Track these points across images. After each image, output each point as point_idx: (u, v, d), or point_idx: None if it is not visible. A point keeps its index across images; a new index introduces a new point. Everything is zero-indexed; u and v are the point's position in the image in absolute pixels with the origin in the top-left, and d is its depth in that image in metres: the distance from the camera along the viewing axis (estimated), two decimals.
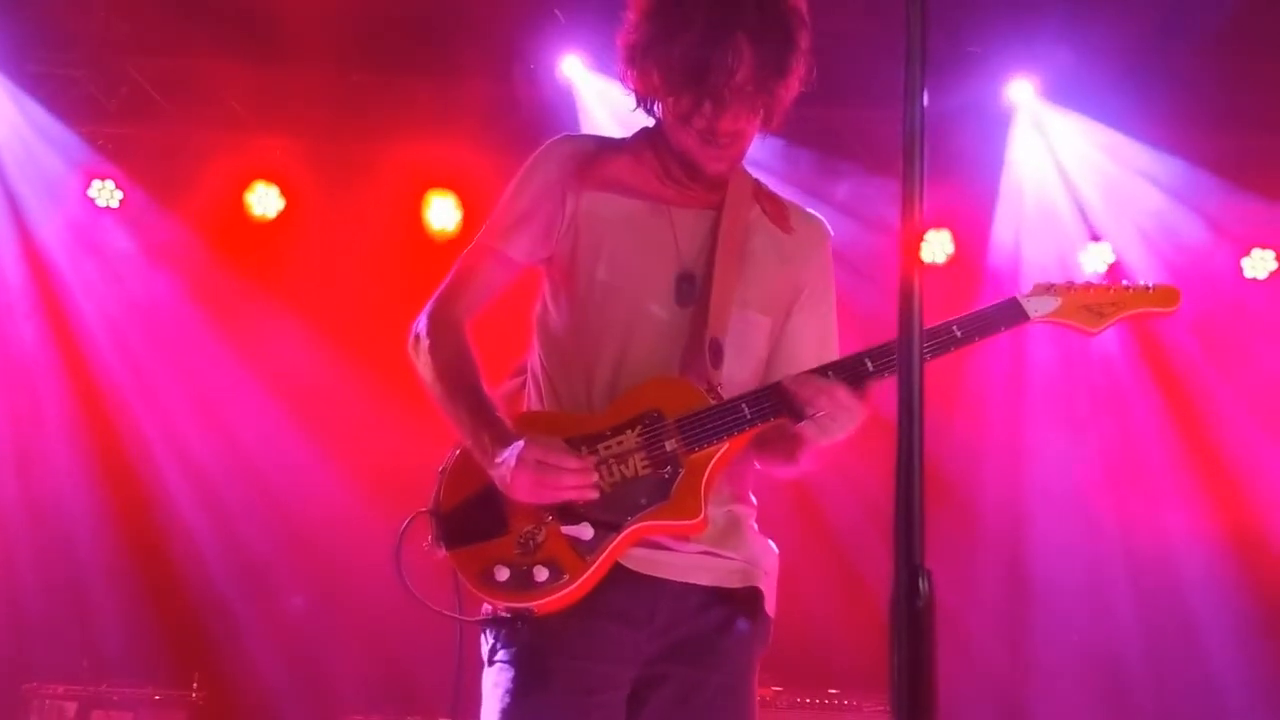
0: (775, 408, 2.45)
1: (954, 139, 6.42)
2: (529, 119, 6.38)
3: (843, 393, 2.41)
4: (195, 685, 6.19)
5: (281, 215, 6.91)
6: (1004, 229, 6.79)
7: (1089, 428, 6.92)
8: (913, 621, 1.24)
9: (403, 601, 2.50)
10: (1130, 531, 6.81)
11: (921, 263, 1.49)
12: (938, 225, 6.89)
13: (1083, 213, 6.72)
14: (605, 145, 2.65)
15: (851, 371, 2.43)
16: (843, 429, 2.43)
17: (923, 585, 1.26)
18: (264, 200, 6.88)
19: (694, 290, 2.54)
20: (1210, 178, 6.41)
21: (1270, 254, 6.78)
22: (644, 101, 2.57)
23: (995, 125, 6.61)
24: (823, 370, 2.46)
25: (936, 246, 6.91)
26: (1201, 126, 6.37)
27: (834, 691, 6.05)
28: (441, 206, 6.88)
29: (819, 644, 6.38)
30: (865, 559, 6.45)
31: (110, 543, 6.69)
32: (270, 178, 6.88)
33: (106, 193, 6.85)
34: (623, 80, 2.57)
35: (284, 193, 6.89)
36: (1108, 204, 6.64)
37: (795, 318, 2.68)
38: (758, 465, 2.68)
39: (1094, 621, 6.86)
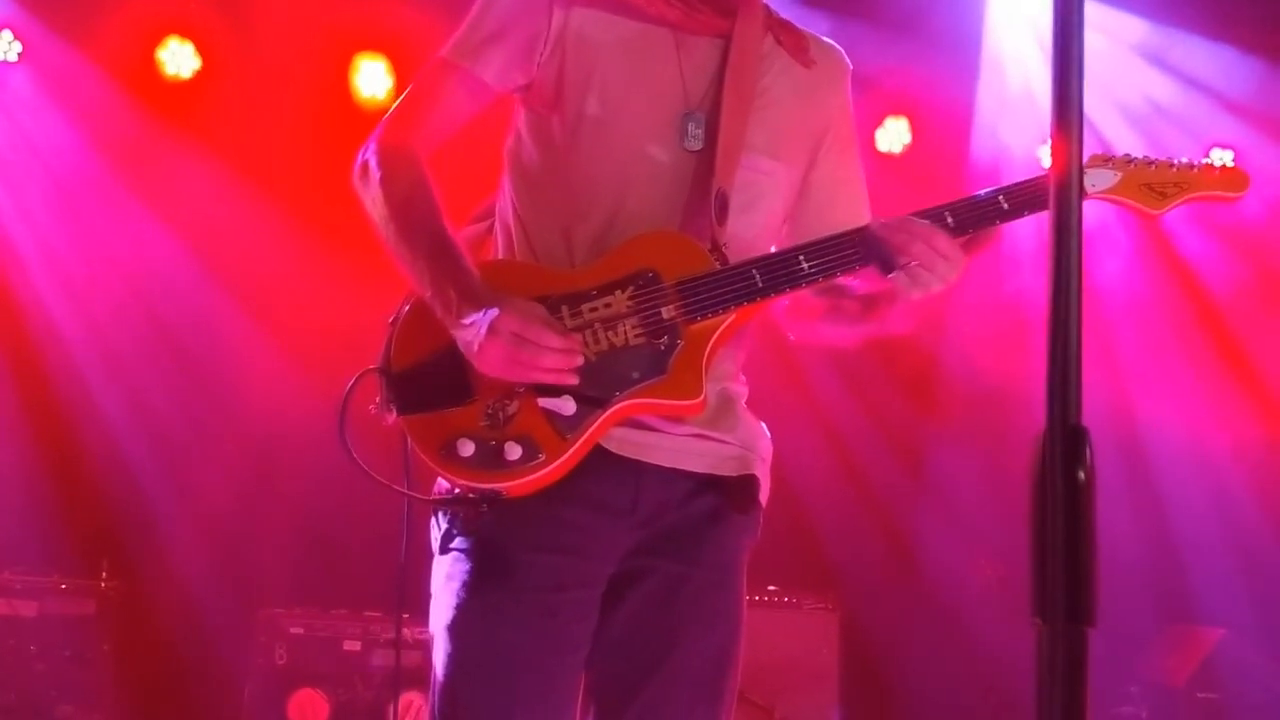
0: (844, 261, 2.17)
1: (922, 15, 6.04)
2: None
3: (943, 239, 2.13)
4: (104, 574, 5.86)
5: (197, 76, 6.40)
6: (976, 116, 6.42)
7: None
8: (1071, 496, 0.94)
9: (340, 483, 2.19)
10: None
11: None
12: (895, 113, 6.51)
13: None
14: None
15: (980, 212, 2.19)
16: (941, 280, 2.15)
17: (1086, 453, 0.97)
18: (177, 58, 6.37)
19: (700, 132, 2.21)
20: (1217, 48, 5.97)
21: None
22: None
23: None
24: (937, 212, 2.18)
25: (893, 135, 6.61)
26: None
27: (772, 588, 5.90)
28: (371, 72, 6.39)
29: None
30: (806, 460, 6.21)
31: (7, 419, 6.22)
32: (185, 33, 6.35)
33: (3, 44, 6.31)
34: None
35: (199, 51, 6.38)
36: (1094, 83, 6.25)
37: (821, 166, 2.38)
38: (805, 333, 2.42)
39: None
